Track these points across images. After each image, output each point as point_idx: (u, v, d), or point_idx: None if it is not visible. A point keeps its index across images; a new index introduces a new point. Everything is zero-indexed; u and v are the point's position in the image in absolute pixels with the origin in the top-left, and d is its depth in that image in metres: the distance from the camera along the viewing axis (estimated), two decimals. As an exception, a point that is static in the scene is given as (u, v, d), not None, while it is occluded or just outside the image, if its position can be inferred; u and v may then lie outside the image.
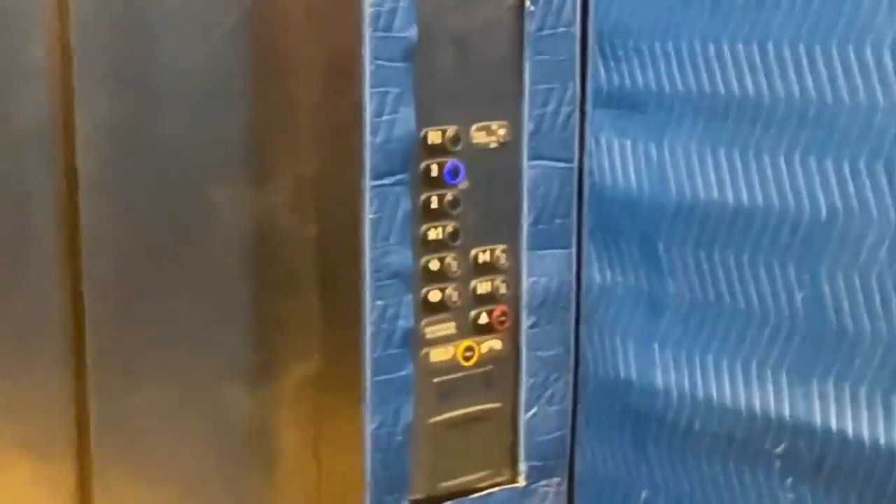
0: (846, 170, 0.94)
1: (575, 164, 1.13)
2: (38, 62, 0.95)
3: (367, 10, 0.98)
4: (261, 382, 1.07)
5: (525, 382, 1.13)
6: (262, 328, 1.06)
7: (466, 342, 1.10)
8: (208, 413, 1.06)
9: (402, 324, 1.04)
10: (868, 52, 0.92)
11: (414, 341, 1.06)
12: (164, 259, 1.02)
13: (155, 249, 1.01)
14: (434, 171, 1.06)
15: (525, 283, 1.12)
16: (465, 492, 1.13)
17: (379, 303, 1.03)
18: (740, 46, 1.00)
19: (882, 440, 0.94)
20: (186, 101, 1.01)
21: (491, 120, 1.08)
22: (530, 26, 1.08)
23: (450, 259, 1.08)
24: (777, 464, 1.01)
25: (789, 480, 1.01)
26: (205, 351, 1.04)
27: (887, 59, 0.91)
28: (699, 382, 1.06)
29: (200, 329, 1.04)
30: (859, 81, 0.93)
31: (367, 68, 0.99)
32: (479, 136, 1.08)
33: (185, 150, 1.01)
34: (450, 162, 1.06)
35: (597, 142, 1.12)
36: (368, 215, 1.01)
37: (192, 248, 1.02)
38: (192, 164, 1.02)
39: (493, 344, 1.12)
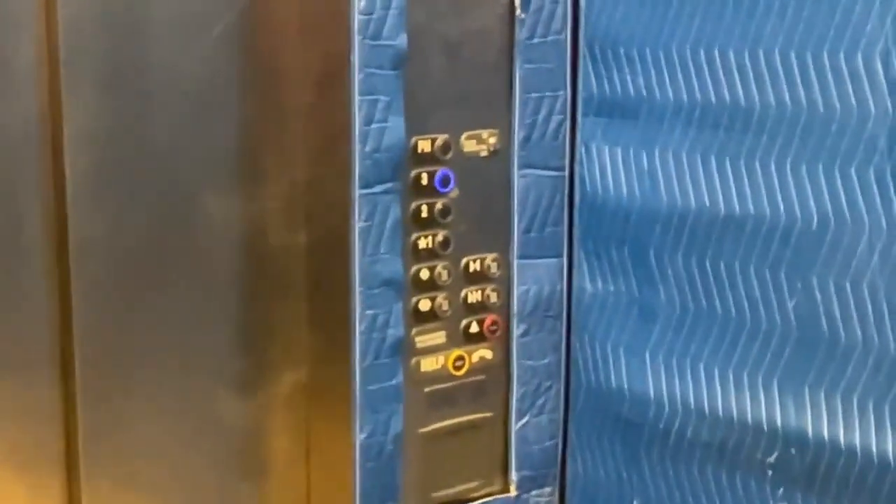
0: (837, 177, 0.94)
1: (566, 173, 1.12)
2: (26, 66, 0.95)
3: (357, 18, 0.98)
4: (251, 390, 1.07)
5: (516, 391, 1.13)
6: (251, 336, 1.06)
7: (457, 351, 1.10)
8: (198, 422, 1.05)
9: (393, 333, 1.04)
10: (859, 59, 0.92)
11: (404, 350, 1.06)
12: (154, 266, 1.01)
13: (144, 256, 1.01)
14: (424, 180, 1.06)
15: (516, 292, 1.12)
16: (456, 502, 1.12)
17: (369, 311, 1.03)
18: (731, 54, 1.00)
19: (874, 448, 0.94)
20: (176, 107, 1.00)
21: (481, 128, 1.08)
22: (521, 34, 1.08)
23: (440, 268, 1.07)
24: (769, 472, 1.01)
25: (781, 489, 1.00)
26: (194, 359, 1.04)
27: (878, 67, 0.91)
28: (691, 391, 1.05)
29: (190, 337, 1.03)
30: (850, 89, 0.93)
31: (357, 76, 0.99)
32: (469, 145, 1.08)
33: (174, 156, 1.01)
34: (440, 170, 1.06)
35: (587, 150, 1.12)
36: (358, 224, 1.01)
37: (181, 255, 1.02)
38: (182, 170, 1.01)
39: (484, 353, 1.11)
